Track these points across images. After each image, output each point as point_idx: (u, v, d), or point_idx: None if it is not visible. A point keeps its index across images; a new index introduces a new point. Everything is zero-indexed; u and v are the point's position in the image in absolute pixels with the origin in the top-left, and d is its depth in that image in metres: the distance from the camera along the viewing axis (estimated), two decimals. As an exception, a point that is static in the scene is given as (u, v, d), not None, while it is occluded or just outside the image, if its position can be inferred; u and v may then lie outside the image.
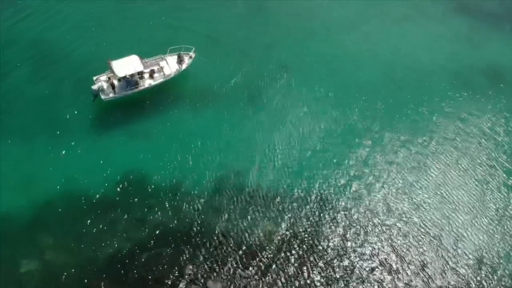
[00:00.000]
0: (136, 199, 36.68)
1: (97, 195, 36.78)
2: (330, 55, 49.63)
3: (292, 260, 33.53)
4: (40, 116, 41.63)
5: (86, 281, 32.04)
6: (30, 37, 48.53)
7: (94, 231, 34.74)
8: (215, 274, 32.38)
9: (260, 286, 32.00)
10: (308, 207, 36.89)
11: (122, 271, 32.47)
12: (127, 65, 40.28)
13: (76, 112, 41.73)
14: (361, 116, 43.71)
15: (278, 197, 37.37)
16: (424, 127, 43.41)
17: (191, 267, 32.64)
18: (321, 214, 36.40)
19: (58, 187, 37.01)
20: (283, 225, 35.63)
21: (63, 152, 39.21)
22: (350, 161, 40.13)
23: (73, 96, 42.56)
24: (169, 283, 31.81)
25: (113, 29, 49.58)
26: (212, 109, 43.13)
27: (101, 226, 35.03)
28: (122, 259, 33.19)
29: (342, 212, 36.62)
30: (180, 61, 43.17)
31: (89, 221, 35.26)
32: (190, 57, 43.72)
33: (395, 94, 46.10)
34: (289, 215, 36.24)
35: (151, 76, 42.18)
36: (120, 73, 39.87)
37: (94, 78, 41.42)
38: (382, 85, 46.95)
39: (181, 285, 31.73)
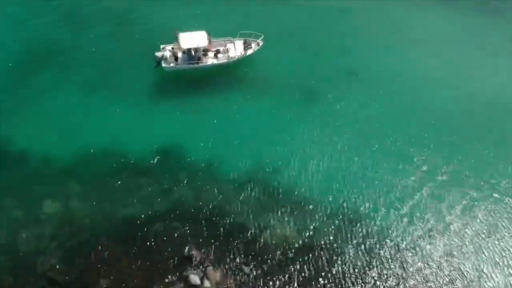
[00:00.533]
0: (168, 170, 36.96)
1: (134, 157, 37.60)
2: (405, 73, 46.26)
3: (301, 274, 31.72)
4: (104, 71, 43.56)
5: (97, 235, 32.71)
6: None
7: (120, 190, 35.46)
8: (219, 263, 31.57)
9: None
10: (335, 224, 34.52)
11: (133, 235, 32.72)
12: (193, 39, 40.67)
13: (137, 75, 43.14)
14: (421, 145, 40.09)
15: (307, 205, 35.56)
16: (487, 172, 38.87)
17: (198, 249, 32.05)
18: (347, 236, 33.97)
19: (100, 141, 38.31)
20: (304, 235, 33.84)
21: (115, 109, 40.50)
22: (395, 188, 37.04)
23: (139, 59, 43.67)
24: (172, 258, 31.53)
25: (191, 4, 50.18)
26: (266, 101, 42.14)
27: (128, 187, 35.70)
28: (137, 223, 33.50)
29: (369, 240, 33.97)
30: (246, 46, 42.62)
31: (118, 180, 36.07)
32: (258, 44, 43.05)
33: (465, 129, 41.86)
34: (314, 227, 34.27)
35: (216, 55, 42.12)
36: (185, 45, 40.37)
37: (161, 46, 42.25)
38: (454, 116, 42.91)
39: (182, 263, 31.29)
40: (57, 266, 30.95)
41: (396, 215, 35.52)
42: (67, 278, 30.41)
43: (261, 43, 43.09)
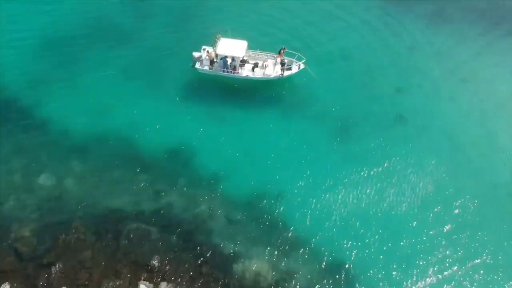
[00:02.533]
0: (170, 172, 36.16)
1: (143, 151, 37.34)
2: (466, 133, 40.25)
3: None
4: (147, 60, 44.27)
5: (76, 219, 32.63)
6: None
7: (117, 180, 35.38)
8: (175, 280, 29.97)
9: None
10: (318, 277, 31.38)
11: (107, 228, 32.23)
12: (231, 47, 39.63)
13: (175, 70, 43.02)
14: (475, 227, 34.12)
15: (298, 247, 32.28)
16: None
17: (161, 260, 30.64)
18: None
19: (118, 127, 38.69)
20: (279, 276, 30.94)
21: (143, 99, 40.94)
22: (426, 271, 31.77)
23: (184, 56, 43.27)
24: (133, 261, 30.49)
25: (252, 12, 49.72)
26: (296, 126, 39.61)
27: (125, 179, 35.41)
28: (117, 217, 32.96)
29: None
30: (285, 67, 40.42)
31: (119, 170, 36.08)
32: (299, 67, 40.62)
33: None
34: (294, 270, 31.21)
35: (253, 69, 40.51)
36: (219, 51, 39.43)
37: (203, 47, 41.54)
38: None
39: (140, 269, 30.14)
40: (27, 238, 31.38)
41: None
42: (29, 252, 30.70)
43: (302, 66, 40.62)
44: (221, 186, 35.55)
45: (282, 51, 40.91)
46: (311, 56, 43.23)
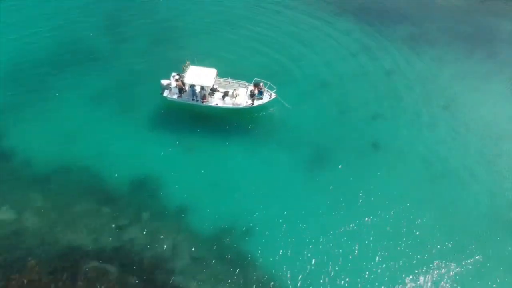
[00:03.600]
0: (134, 205, 34.93)
1: (107, 183, 36.21)
2: (444, 161, 39.23)
3: None
4: (118, 87, 43.18)
5: (32, 256, 31.60)
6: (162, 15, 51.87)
7: (78, 215, 34.17)
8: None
9: None
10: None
11: (63, 267, 31.20)
12: (199, 75, 38.56)
13: (146, 98, 41.83)
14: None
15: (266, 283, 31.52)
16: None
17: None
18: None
19: (83, 157, 37.46)
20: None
21: (111, 128, 39.79)
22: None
23: (155, 82, 41.87)
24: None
25: (225, 39, 49.02)
26: (268, 155, 38.49)
27: (87, 214, 34.26)
28: (75, 255, 31.92)
29: None
30: (254, 96, 39.41)
31: (81, 204, 34.91)
32: (270, 96, 39.59)
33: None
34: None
35: (223, 97, 39.44)
36: (187, 79, 38.30)
37: (172, 74, 40.53)
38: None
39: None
40: (-22, 279, 30.28)
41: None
42: (-21, 295, 29.62)
43: (273, 96, 39.60)
44: (186, 220, 34.47)
45: (261, 84, 39.68)
46: (286, 83, 42.60)
